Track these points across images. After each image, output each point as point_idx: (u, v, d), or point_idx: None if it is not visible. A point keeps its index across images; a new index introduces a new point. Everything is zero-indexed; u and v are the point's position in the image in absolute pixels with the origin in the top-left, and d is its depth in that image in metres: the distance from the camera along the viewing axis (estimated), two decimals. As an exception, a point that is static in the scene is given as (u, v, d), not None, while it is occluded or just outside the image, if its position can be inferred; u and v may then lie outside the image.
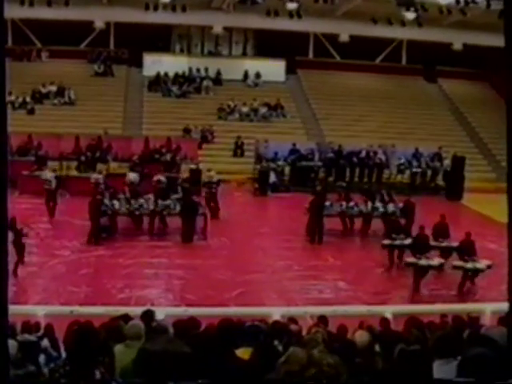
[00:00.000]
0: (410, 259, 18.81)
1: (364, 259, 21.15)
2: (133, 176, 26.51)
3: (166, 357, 5.65)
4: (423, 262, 18.31)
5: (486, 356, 5.56)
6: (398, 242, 20.06)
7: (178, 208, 22.65)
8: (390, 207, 23.37)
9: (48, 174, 25.23)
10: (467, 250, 18.46)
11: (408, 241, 19.75)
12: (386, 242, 20.44)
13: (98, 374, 5.58)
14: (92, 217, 21.57)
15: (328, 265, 20.48)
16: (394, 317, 12.49)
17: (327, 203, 23.27)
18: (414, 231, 20.21)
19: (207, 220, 22.45)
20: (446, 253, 19.66)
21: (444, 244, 19.81)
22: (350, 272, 19.68)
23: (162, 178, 25.82)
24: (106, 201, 22.24)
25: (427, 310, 14.16)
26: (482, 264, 18.15)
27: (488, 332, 7.18)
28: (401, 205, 23.37)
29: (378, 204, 23.63)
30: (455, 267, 18.53)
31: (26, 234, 18.63)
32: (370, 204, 23.56)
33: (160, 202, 22.79)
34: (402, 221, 22.47)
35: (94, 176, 26.68)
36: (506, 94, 4.40)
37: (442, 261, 18.85)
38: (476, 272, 18.22)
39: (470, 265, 18.12)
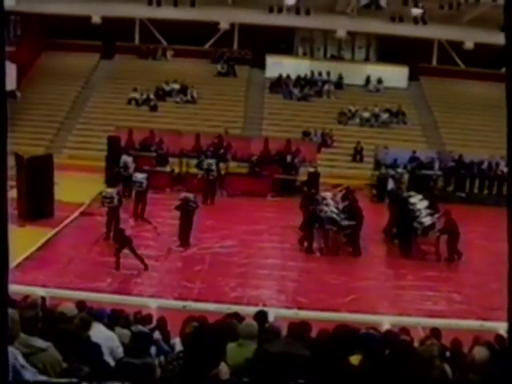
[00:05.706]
0: None
1: (478, 273, 20.49)
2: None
3: (285, 358, 5.63)
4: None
5: None
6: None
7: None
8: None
9: (139, 176, 24.07)
10: None
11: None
12: None
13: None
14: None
15: (443, 276, 20.05)
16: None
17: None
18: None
19: (328, 234, 21.96)
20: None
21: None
22: (465, 285, 19.22)
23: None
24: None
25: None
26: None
27: None
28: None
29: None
30: None
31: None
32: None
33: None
34: None
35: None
36: (506, 94, 4.30)
37: None
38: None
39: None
